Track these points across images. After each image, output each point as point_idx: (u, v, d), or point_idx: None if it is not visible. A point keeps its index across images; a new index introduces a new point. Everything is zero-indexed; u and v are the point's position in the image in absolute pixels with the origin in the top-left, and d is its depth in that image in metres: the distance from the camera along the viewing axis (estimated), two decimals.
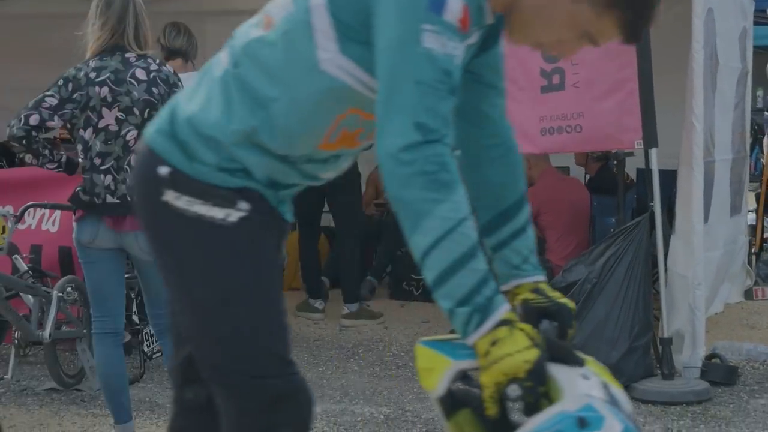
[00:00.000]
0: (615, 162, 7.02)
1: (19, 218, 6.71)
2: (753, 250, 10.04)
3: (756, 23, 9.31)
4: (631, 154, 6.83)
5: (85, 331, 6.62)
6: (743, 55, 8.31)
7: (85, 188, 5.22)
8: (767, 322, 8.48)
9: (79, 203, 5.24)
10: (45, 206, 6.89)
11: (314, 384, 6.90)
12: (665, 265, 6.62)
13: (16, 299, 6.67)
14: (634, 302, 6.52)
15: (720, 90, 7.39)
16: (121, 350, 5.39)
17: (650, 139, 6.51)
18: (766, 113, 14.20)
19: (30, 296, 6.60)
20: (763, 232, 10.50)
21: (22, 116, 5.13)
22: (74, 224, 5.31)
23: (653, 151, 6.52)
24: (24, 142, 5.14)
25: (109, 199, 5.18)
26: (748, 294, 9.19)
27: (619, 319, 6.50)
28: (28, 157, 5.24)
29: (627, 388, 6.49)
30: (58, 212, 7.39)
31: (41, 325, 6.44)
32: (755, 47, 9.35)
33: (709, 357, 6.82)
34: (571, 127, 6.54)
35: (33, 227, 7.49)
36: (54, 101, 5.17)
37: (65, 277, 6.70)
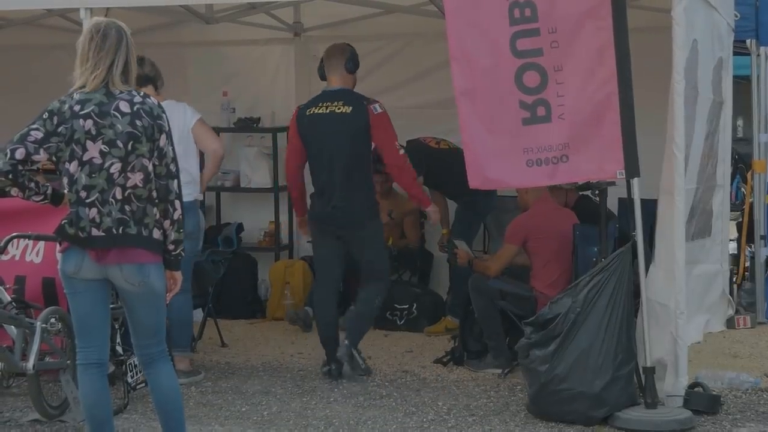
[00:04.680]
0: (597, 192, 7.05)
1: (2, 249, 6.70)
2: (734, 280, 10.05)
3: (736, 53, 9.37)
4: (613, 183, 6.86)
5: (69, 361, 6.61)
6: (717, 85, 8.35)
7: (71, 221, 5.21)
8: (749, 350, 8.50)
9: (64, 236, 5.23)
10: (29, 237, 6.88)
11: (298, 414, 6.90)
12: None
13: (0, 330, 6.66)
14: (617, 331, 6.55)
15: (697, 120, 7.44)
16: (105, 381, 5.39)
17: (632, 169, 6.55)
18: None
19: (13, 327, 6.60)
20: (744, 261, 10.53)
21: (8, 150, 5.13)
22: (59, 255, 5.31)
23: (635, 181, 6.56)
24: (10, 176, 5.15)
25: (95, 232, 5.18)
26: (730, 323, 9.22)
27: (603, 348, 6.53)
28: (14, 191, 5.24)
29: (610, 417, 6.51)
30: (41, 243, 7.38)
31: (25, 356, 6.43)
32: (735, 77, 9.41)
33: (692, 386, 6.84)
34: (557, 158, 6.56)
35: (17, 258, 7.47)
36: (39, 135, 5.17)
37: (49, 308, 6.69)
